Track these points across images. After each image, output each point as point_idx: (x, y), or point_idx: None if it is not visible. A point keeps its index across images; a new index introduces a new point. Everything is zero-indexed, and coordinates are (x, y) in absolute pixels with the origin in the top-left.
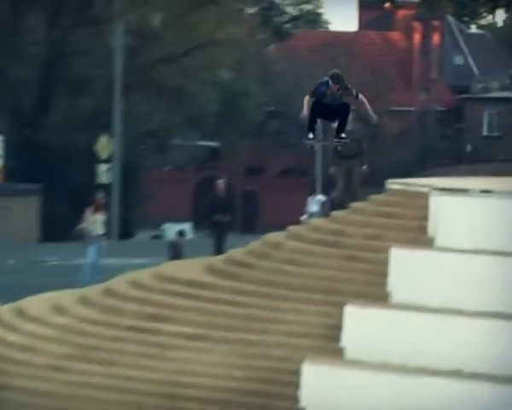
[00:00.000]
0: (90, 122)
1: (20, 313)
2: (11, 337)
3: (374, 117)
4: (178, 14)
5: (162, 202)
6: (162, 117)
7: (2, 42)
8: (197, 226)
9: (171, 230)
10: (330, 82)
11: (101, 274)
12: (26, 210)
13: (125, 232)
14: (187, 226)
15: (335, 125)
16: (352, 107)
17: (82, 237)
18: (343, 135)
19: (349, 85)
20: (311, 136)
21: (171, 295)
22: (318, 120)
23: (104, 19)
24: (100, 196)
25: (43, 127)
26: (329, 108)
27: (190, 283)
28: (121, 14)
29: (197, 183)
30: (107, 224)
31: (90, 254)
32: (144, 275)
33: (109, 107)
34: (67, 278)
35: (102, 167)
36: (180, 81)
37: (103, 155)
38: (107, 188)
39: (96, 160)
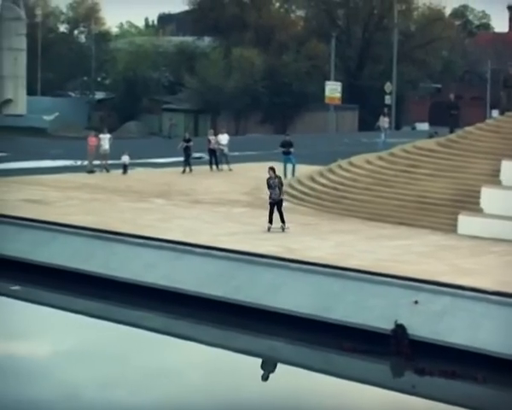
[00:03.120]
0: (382, 75)
1: (350, 163)
2: (345, 174)
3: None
4: (424, 24)
5: (415, 113)
6: (413, 74)
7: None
8: (431, 124)
9: (420, 125)
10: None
11: (387, 146)
12: (351, 117)
13: (397, 126)
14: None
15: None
16: None
17: (378, 128)
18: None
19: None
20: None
21: (420, 155)
22: None
23: (387, 26)
24: (385, 110)
25: (360, 78)
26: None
27: (427, 149)
28: (397, 25)
29: (430, 104)
30: (390, 123)
31: (382, 136)
32: (407, 146)
33: (390, 69)
34: (371, 148)
35: (387, 97)
36: (424, 57)
37: (387, 91)
38: (388, 107)
39: (384, 93)
